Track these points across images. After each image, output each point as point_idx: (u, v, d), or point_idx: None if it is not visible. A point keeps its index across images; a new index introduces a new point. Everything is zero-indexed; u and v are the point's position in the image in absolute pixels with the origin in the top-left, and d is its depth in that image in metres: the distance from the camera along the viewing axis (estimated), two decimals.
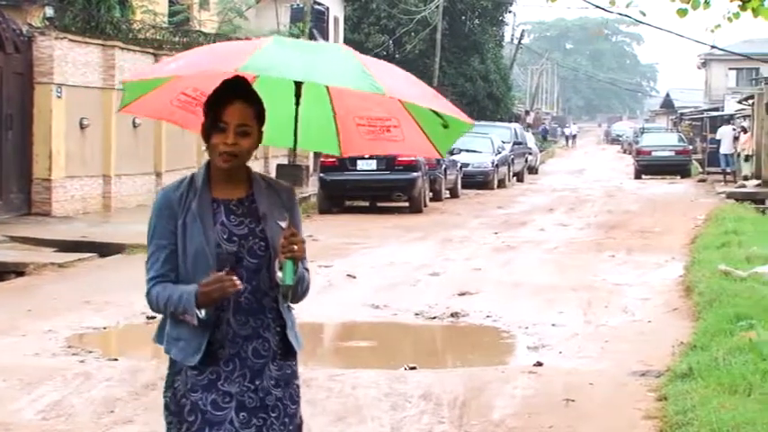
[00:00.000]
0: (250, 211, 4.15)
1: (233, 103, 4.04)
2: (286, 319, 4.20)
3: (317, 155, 33.80)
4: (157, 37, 28.58)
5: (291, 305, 4.23)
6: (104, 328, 11.87)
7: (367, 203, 28.26)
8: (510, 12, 67.44)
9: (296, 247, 4.02)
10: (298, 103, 4.18)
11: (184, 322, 4.06)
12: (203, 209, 4.09)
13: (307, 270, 4.22)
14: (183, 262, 4.09)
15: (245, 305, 4.11)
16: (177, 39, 29.99)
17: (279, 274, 4.07)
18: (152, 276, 4.12)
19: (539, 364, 10.06)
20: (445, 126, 4.27)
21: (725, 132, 44.01)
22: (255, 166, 33.87)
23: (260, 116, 4.12)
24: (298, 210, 4.26)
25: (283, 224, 4.11)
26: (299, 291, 4.15)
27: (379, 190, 26.96)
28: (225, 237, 4.10)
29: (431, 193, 29.64)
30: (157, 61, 27.03)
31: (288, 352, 4.22)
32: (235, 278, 3.97)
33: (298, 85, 4.18)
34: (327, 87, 4.35)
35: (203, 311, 4.00)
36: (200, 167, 4.20)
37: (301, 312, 5.03)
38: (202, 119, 4.18)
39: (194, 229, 4.07)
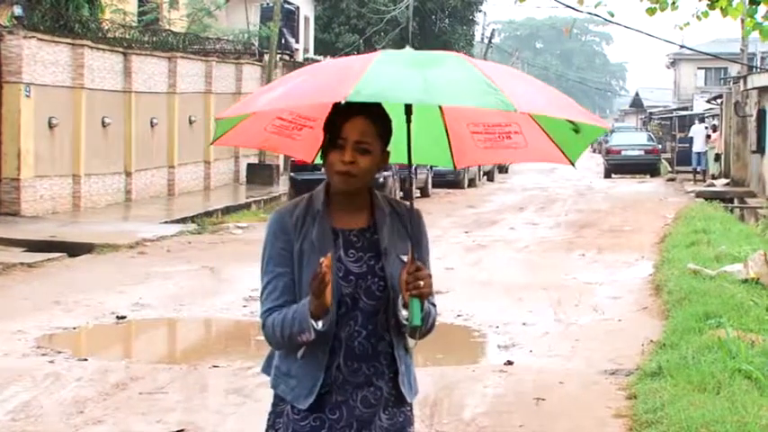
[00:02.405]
0: (370, 245, 3.70)
1: (353, 119, 3.61)
2: (399, 364, 3.72)
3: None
4: (127, 36, 28.47)
5: (411, 347, 3.78)
6: (74, 329, 11.81)
7: None
8: (480, 11, 67.50)
9: (422, 283, 3.54)
10: (409, 115, 3.73)
11: (295, 357, 3.66)
12: (324, 239, 3.66)
13: (433, 305, 3.76)
14: (298, 292, 3.66)
15: (358, 351, 3.66)
16: (147, 38, 29.89)
17: (403, 312, 3.61)
18: (269, 308, 3.66)
19: (509, 362, 10.09)
20: (576, 131, 3.82)
21: (698, 131, 44.21)
22: (224, 164, 33.82)
23: (384, 134, 3.69)
24: (426, 238, 3.79)
25: (405, 258, 3.65)
26: (424, 329, 3.65)
27: None
28: (340, 275, 3.64)
29: (401, 193, 29.63)
30: (127, 61, 26.95)
31: (402, 398, 3.76)
32: (321, 260, 3.46)
33: None
34: None
35: (320, 323, 3.54)
36: (319, 188, 3.75)
37: None
38: (299, 142, 3.91)
39: (313, 261, 3.59)
